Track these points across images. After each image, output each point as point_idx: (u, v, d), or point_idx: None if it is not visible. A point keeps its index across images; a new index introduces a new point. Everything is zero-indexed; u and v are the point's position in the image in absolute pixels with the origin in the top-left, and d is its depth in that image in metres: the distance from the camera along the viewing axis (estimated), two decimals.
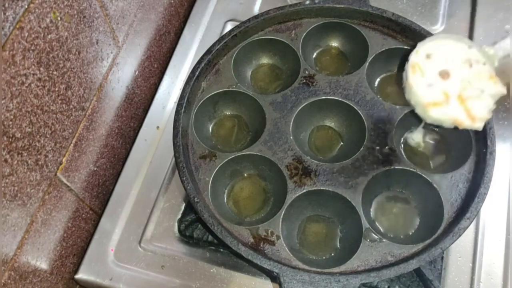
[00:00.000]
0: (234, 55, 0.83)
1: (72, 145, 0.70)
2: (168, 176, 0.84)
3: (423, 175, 0.73)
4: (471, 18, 0.97)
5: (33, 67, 0.57)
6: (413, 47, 0.77)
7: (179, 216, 0.80)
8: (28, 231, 0.64)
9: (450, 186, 0.72)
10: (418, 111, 0.73)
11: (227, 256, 0.77)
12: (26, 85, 0.56)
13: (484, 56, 0.72)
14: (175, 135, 0.74)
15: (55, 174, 0.67)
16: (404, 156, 0.76)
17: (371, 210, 0.74)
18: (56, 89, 0.63)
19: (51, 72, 0.61)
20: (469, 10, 0.98)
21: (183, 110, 0.76)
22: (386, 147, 0.75)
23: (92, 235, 0.80)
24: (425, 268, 0.71)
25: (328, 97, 0.80)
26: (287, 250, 0.69)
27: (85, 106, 0.72)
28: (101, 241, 0.79)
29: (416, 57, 0.74)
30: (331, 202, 0.74)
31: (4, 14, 0.50)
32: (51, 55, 0.60)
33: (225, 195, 0.77)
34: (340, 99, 0.79)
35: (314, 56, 0.88)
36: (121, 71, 0.82)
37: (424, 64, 0.74)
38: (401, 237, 0.73)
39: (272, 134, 0.77)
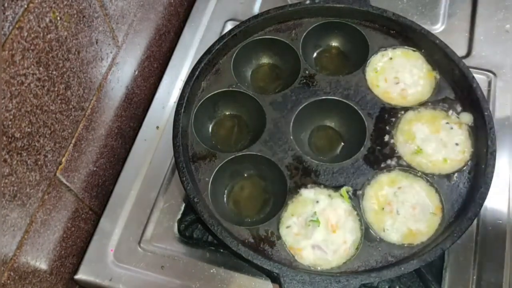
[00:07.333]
0: (234, 55, 0.83)
1: (71, 145, 0.70)
2: (168, 176, 0.84)
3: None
4: (472, 18, 0.97)
5: (32, 67, 0.57)
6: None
7: (179, 216, 0.80)
8: (28, 232, 0.64)
9: (450, 186, 0.72)
10: None
11: (227, 257, 0.76)
12: (26, 85, 0.56)
13: None
14: (175, 135, 0.74)
15: (55, 174, 0.67)
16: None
17: None
18: (56, 89, 0.63)
19: (50, 72, 0.61)
20: (469, 10, 0.98)
21: (183, 110, 0.75)
22: (387, 147, 0.75)
23: (91, 235, 0.80)
24: (426, 269, 0.71)
25: (328, 97, 0.79)
26: (287, 250, 0.69)
27: (85, 106, 0.72)
28: (100, 242, 0.79)
29: None
30: None
31: (4, 13, 0.50)
32: (50, 55, 0.60)
33: (225, 195, 0.77)
34: (340, 99, 0.79)
35: (314, 56, 0.88)
36: (121, 71, 0.81)
37: None
38: None
39: (272, 134, 0.77)
